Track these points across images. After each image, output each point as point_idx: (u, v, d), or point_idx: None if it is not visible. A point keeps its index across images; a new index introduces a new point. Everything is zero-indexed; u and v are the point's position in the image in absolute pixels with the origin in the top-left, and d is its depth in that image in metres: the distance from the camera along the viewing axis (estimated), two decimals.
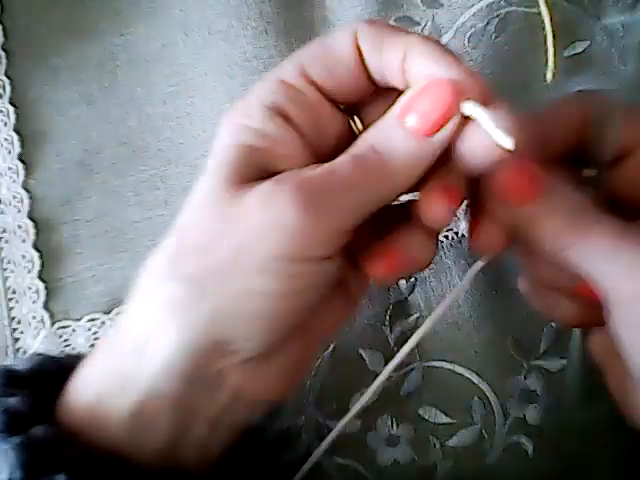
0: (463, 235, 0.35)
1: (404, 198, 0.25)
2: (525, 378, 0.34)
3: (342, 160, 0.23)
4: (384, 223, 0.25)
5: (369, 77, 0.25)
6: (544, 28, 0.36)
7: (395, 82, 0.24)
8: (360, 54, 0.24)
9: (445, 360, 0.34)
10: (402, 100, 0.23)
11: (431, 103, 0.22)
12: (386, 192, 0.23)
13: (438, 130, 0.22)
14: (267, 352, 0.23)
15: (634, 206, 0.25)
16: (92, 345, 0.35)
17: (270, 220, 0.22)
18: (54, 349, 0.35)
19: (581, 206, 0.24)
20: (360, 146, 0.23)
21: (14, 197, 0.37)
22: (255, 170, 0.23)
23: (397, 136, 0.23)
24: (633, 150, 0.25)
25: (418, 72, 0.23)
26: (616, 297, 0.23)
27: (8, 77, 0.38)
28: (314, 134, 0.25)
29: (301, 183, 0.22)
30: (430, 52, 0.23)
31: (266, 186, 0.22)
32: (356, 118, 0.26)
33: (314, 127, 0.25)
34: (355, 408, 0.26)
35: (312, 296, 0.23)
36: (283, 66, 0.25)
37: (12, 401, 0.24)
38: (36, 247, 0.36)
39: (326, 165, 0.23)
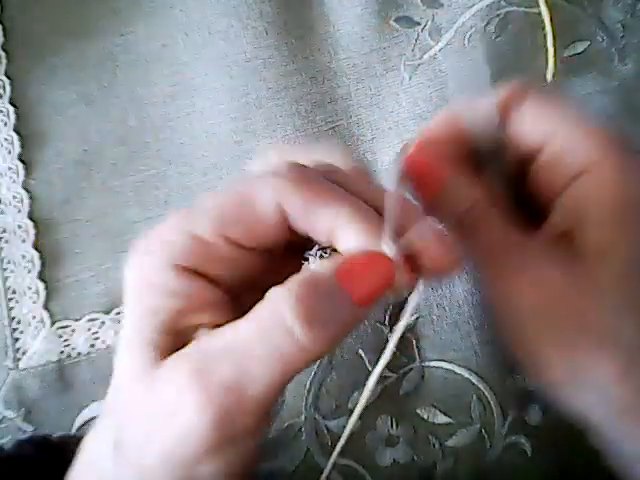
0: None
1: None
2: (525, 378, 0.34)
3: (248, 329, 0.21)
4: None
5: (289, 229, 0.23)
6: (544, 28, 0.36)
7: (319, 240, 0.23)
8: (284, 213, 0.22)
9: (444, 360, 0.34)
10: (339, 266, 0.21)
11: (374, 276, 0.21)
12: (303, 362, 0.20)
13: (371, 301, 0.21)
14: None
15: (542, 205, 0.26)
16: (92, 345, 0.35)
17: (174, 422, 0.21)
18: (54, 348, 0.35)
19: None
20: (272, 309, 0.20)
21: (14, 197, 0.37)
22: (171, 335, 0.22)
23: (336, 299, 0.21)
24: (540, 149, 0.26)
25: (347, 245, 0.22)
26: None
27: (8, 77, 0.38)
28: (230, 280, 0.23)
29: (199, 370, 0.20)
30: (359, 230, 0.22)
31: (169, 383, 0.21)
32: None
33: (230, 275, 0.23)
34: (356, 411, 0.26)
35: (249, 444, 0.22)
36: (196, 219, 0.22)
37: None
38: (36, 247, 0.36)
39: (230, 336, 0.21)
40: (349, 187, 0.23)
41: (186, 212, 0.23)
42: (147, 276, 0.23)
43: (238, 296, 0.24)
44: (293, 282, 0.20)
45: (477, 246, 0.25)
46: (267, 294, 0.21)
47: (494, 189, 0.26)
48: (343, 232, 0.22)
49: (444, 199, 0.26)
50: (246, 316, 0.21)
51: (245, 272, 0.24)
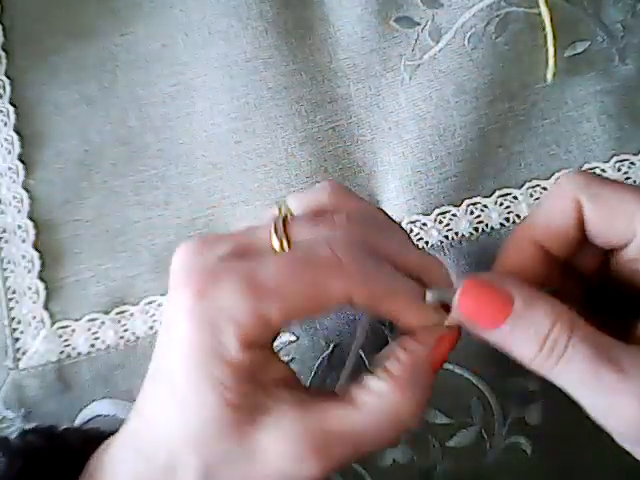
0: (463, 235, 0.35)
1: None
2: (525, 378, 0.34)
3: (366, 421, 0.24)
4: None
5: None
6: (544, 28, 0.36)
7: (614, 243, 0.25)
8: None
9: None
10: (433, 353, 0.26)
11: (450, 348, 0.26)
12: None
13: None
14: None
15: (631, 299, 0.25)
16: (92, 345, 0.35)
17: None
18: (54, 348, 0.35)
19: (555, 329, 0.23)
20: None
21: (14, 197, 0.37)
22: (246, 383, 0.23)
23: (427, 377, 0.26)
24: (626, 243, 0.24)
25: (410, 324, 0.25)
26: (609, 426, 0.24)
27: (8, 77, 0.38)
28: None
29: (320, 448, 0.23)
30: (421, 312, 0.25)
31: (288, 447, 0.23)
32: None
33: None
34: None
35: None
36: (266, 298, 0.23)
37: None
38: (36, 247, 0.36)
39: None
40: (393, 250, 0.25)
41: (251, 281, 0.23)
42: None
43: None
44: (405, 383, 0.25)
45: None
46: (376, 389, 0.24)
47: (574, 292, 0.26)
48: (408, 314, 0.25)
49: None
50: (359, 406, 0.24)
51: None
